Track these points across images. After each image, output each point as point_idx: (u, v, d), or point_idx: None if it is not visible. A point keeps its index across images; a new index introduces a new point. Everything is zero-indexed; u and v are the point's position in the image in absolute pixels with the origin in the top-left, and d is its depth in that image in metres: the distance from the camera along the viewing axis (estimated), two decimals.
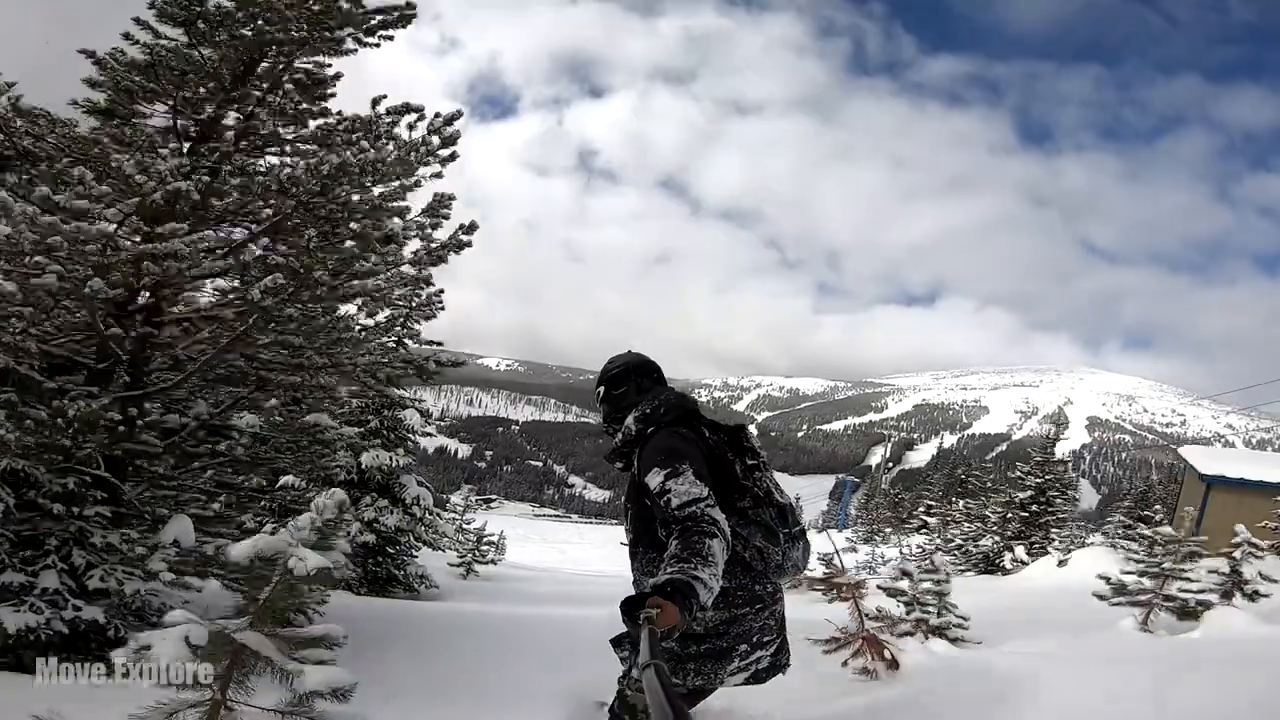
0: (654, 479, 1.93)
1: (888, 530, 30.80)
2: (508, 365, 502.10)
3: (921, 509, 28.22)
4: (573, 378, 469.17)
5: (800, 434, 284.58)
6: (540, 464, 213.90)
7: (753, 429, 2.48)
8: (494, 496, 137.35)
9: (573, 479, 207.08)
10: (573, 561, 19.78)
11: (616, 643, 2.22)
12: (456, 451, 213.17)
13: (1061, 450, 26.77)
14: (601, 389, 2.39)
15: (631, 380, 2.33)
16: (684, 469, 1.90)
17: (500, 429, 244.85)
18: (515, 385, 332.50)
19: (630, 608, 1.49)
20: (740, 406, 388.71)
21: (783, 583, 2.18)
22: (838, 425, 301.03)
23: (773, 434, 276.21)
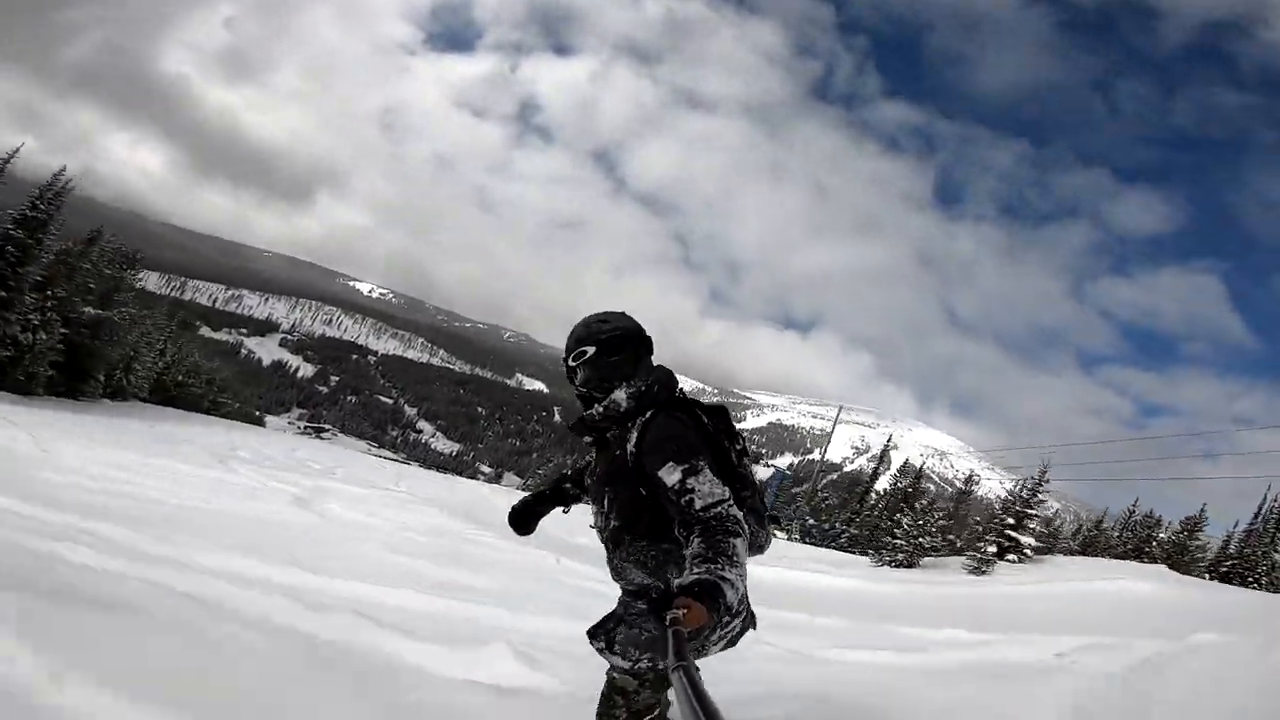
0: (670, 475, 1.83)
1: None
2: (381, 293, 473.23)
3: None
4: (447, 321, 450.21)
5: None
6: (391, 401, 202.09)
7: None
8: (327, 426, 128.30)
9: (422, 424, 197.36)
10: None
11: (593, 634, 2.12)
12: (297, 370, 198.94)
13: (880, 487, 32.39)
14: (591, 349, 2.07)
15: (630, 350, 2.08)
16: (701, 465, 1.83)
17: (355, 356, 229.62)
18: (383, 315, 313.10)
19: (657, 607, 1.46)
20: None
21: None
22: None
23: None
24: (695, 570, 1.58)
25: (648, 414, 1.99)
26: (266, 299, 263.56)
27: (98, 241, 24.11)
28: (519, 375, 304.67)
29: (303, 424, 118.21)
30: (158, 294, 78.23)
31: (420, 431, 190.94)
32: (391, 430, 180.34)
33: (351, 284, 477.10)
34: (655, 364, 2.13)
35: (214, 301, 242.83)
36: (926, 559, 15.77)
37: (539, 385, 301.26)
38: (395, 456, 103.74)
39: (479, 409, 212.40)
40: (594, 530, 2.14)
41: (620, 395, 2.03)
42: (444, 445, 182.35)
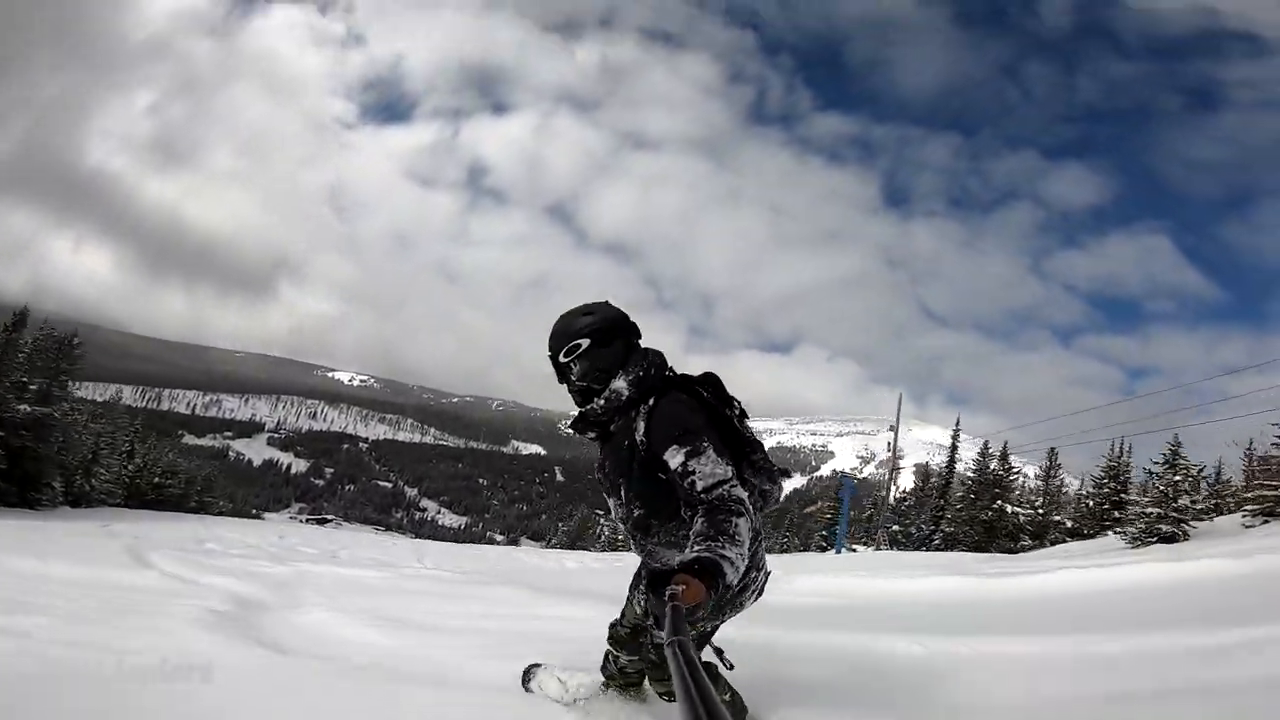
0: (674, 458, 1.86)
1: None
2: (361, 381, 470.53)
3: None
4: (433, 399, 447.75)
5: None
6: (390, 485, 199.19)
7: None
8: (330, 516, 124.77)
9: (425, 502, 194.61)
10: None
11: (651, 587, 1.82)
12: (289, 467, 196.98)
13: (895, 493, 30.18)
14: (583, 343, 2.05)
15: (622, 337, 2.08)
16: (704, 446, 1.85)
17: (345, 446, 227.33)
18: (368, 402, 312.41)
19: (656, 584, 1.48)
20: None
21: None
22: None
23: None
24: (696, 548, 1.61)
25: (650, 400, 2.02)
26: (246, 399, 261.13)
27: (22, 327, 20.49)
28: (514, 442, 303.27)
29: (304, 517, 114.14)
30: (133, 407, 73.74)
31: (424, 510, 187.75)
32: (396, 513, 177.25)
33: (330, 375, 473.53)
34: (645, 347, 2.13)
35: (192, 409, 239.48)
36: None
37: (535, 448, 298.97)
38: (405, 536, 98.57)
39: (480, 480, 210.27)
40: (612, 521, 3.66)
41: (620, 384, 2.04)
42: (451, 520, 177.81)
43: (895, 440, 32.32)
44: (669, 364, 2.12)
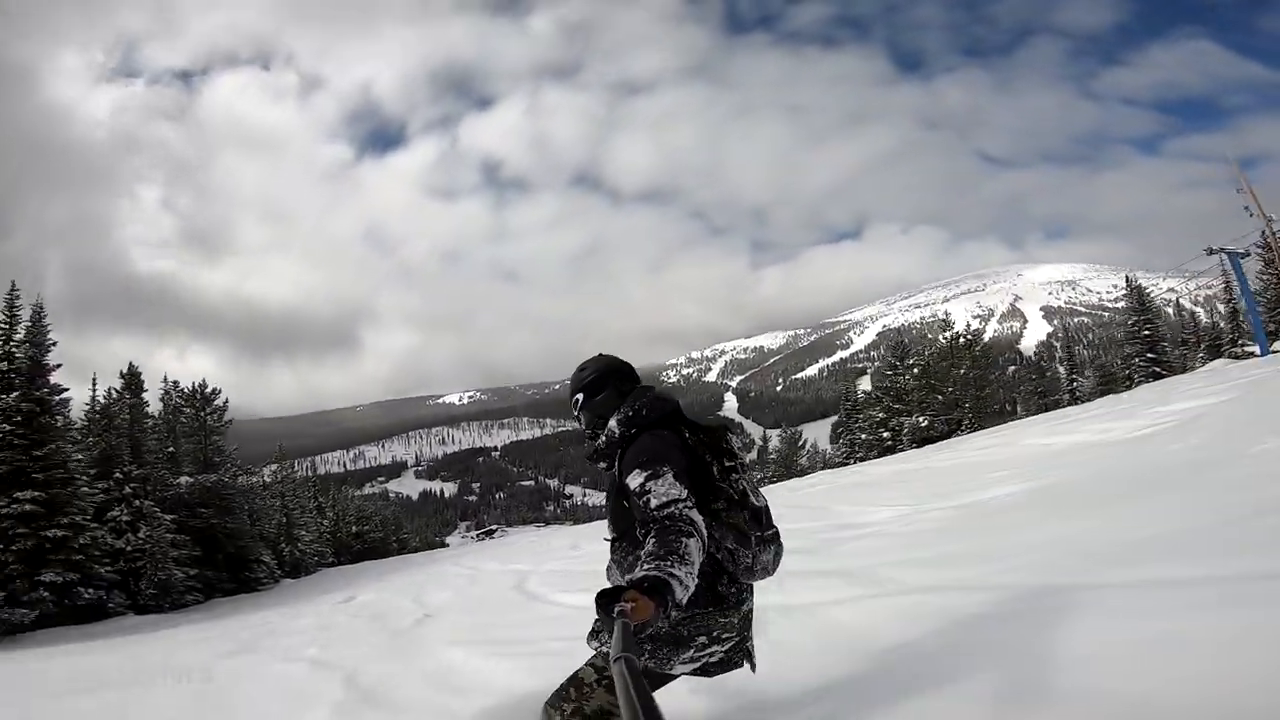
0: (635, 480, 1.93)
1: None
2: (470, 398, 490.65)
3: None
4: (538, 392, 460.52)
5: (779, 388, 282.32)
6: (532, 483, 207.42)
7: (734, 433, 2.23)
8: (494, 526, 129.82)
9: (570, 489, 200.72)
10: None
11: (594, 634, 2.12)
12: (442, 492, 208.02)
13: (1030, 342, 25.18)
14: (580, 396, 2.30)
15: (610, 385, 2.28)
16: (664, 471, 1.91)
17: (481, 459, 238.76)
18: (484, 414, 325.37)
19: (606, 600, 1.49)
20: (711, 377, 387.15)
21: (751, 583, 2.14)
22: (812, 371, 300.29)
23: (751, 395, 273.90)
24: (645, 566, 1.63)
25: (633, 433, 2.12)
26: (383, 444, 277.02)
27: (140, 391, 18.82)
28: None
29: (474, 533, 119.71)
30: (296, 479, 77.60)
31: (570, 496, 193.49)
32: (548, 506, 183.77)
33: (441, 400, 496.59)
34: (645, 388, 2.27)
35: (343, 466, 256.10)
36: None
37: None
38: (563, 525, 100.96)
39: None
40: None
41: (612, 424, 2.17)
42: (598, 499, 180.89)
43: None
44: (670, 403, 2.20)
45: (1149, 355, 28.40)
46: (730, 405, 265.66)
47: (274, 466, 29.25)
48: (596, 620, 2.02)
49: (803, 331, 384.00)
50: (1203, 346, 29.10)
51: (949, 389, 31.05)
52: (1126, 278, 28.45)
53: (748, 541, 2.04)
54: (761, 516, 2.09)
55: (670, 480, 1.87)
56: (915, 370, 32.87)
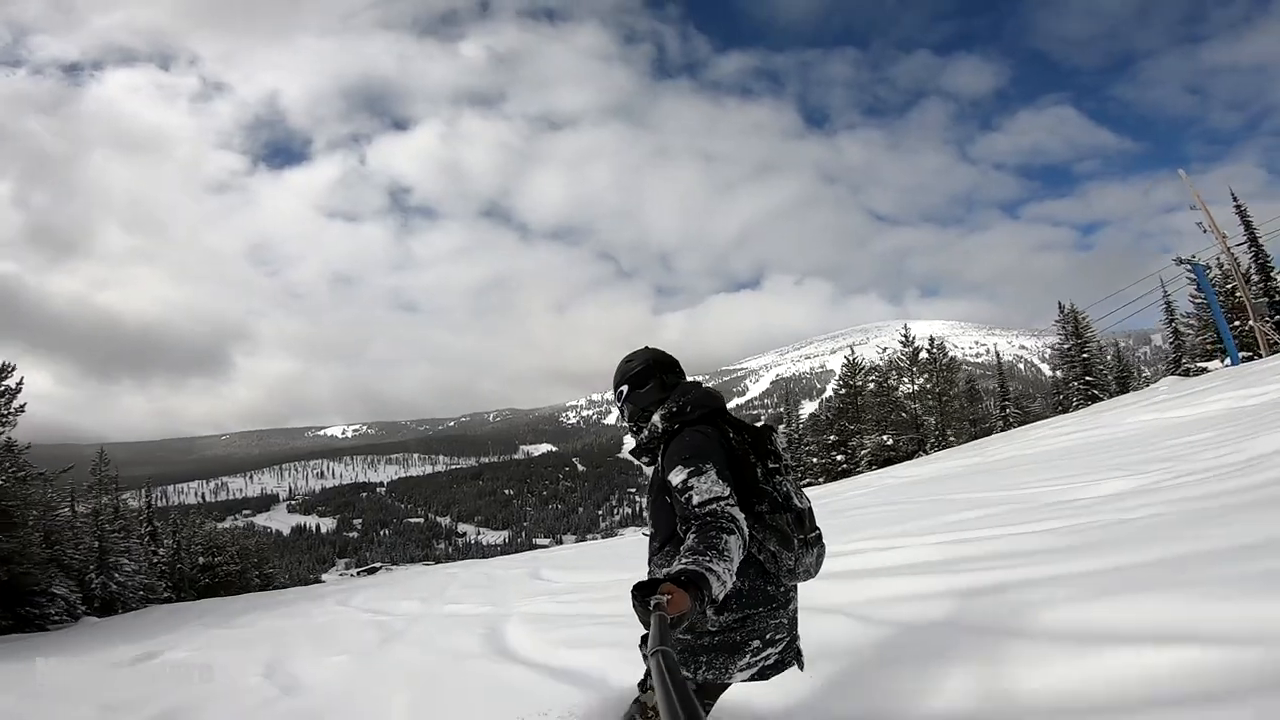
0: (677, 476, 1.91)
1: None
2: (355, 430, 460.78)
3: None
4: (430, 429, 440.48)
5: None
6: (422, 520, 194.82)
7: (780, 432, 2.18)
8: (378, 564, 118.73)
9: (462, 527, 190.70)
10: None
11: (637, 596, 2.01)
12: (319, 527, 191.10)
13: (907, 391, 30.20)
14: (625, 388, 2.27)
15: (656, 377, 2.24)
16: (707, 468, 1.88)
17: (364, 494, 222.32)
18: (370, 449, 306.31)
19: (642, 593, 1.48)
20: (611, 420, 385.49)
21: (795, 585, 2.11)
22: None
23: None
24: (684, 560, 1.62)
25: (676, 429, 2.09)
26: (250, 476, 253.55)
27: None
28: (522, 447, 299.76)
29: (353, 570, 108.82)
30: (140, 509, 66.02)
31: (464, 534, 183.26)
32: (438, 544, 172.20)
33: (322, 433, 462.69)
34: (690, 383, 2.24)
35: (201, 497, 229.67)
36: None
37: (546, 446, 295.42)
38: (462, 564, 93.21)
39: (505, 491, 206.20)
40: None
41: (656, 418, 2.15)
42: (493, 538, 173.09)
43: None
44: (717, 399, 2.17)
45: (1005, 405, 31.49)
46: (629, 446, 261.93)
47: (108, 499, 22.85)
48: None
49: (703, 378, 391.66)
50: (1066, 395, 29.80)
51: (913, 405, 29.84)
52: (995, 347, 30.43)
53: (790, 544, 2.00)
54: (805, 519, 2.05)
55: (713, 478, 1.85)
56: (871, 386, 31.58)
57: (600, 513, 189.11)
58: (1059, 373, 29.34)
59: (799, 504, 2.04)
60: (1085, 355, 28.04)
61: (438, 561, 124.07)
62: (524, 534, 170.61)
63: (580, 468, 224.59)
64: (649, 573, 2.12)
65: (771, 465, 2.04)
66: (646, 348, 2.31)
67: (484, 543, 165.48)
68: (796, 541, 1.99)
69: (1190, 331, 24.74)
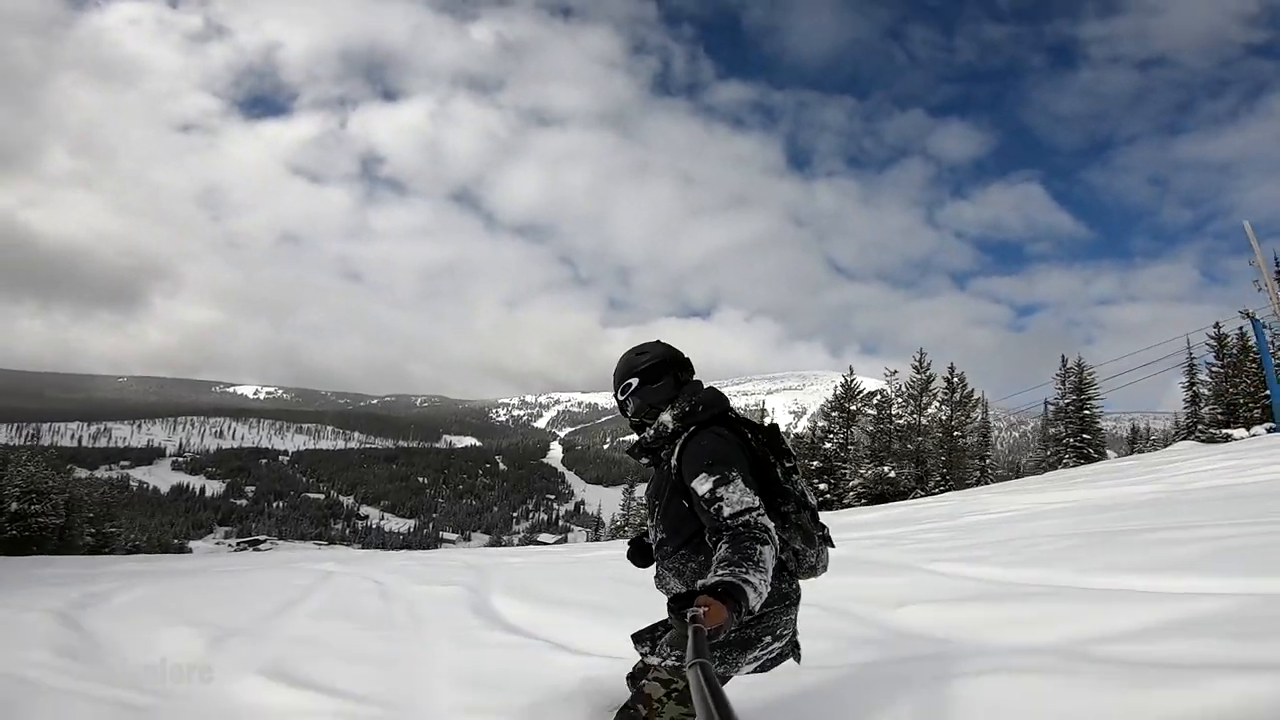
0: (703, 485, 1.88)
1: None
2: (269, 393, 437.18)
3: None
4: (350, 403, 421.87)
5: (606, 446, 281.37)
6: (322, 496, 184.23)
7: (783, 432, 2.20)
8: (263, 537, 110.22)
9: (365, 509, 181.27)
10: None
11: (638, 639, 2.06)
12: (203, 489, 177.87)
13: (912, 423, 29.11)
14: (634, 381, 2.18)
15: (670, 373, 2.17)
16: (734, 476, 1.86)
17: (264, 461, 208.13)
18: (280, 414, 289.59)
19: (678, 605, 1.48)
20: (540, 424, 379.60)
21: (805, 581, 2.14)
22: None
23: (577, 448, 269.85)
24: (719, 572, 1.62)
25: (690, 430, 2.05)
26: (139, 425, 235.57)
27: None
28: (446, 436, 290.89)
29: (233, 541, 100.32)
30: (10, 445, 58.20)
31: (366, 517, 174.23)
32: (335, 524, 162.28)
33: (232, 390, 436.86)
34: (700, 384, 2.19)
35: (78, 441, 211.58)
36: None
37: (470, 440, 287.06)
38: (354, 548, 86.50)
39: (419, 479, 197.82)
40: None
41: (666, 417, 2.10)
42: (397, 525, 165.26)
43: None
44: (726, 402, 2.14)
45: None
46: (555, 454, 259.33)
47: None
48: (653, 625, 2.03)
49: None
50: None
51: (918, 438, 28.11)
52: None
53: (813, 541, 2.03)
54: (817, 516, 2.07)
55: (741, 486, 1.84)
56: (871, 413, 29.72)
57: (515, 515, 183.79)
58: (1052, 430, 28.51)
59: (812, 501, 2.06)
60: (1085, 412, 27.40)
61: (331, 543, 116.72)
62: (431, 525, 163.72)
63: (502, 466, 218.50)
64: (656, 573, 2.13)
65: (788, 464, 2.04)
66: (659, 341, 2.26)
67: (386, 529, 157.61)
68: (818, 538, 2.03)
69: (1208, 392, 25.08)
